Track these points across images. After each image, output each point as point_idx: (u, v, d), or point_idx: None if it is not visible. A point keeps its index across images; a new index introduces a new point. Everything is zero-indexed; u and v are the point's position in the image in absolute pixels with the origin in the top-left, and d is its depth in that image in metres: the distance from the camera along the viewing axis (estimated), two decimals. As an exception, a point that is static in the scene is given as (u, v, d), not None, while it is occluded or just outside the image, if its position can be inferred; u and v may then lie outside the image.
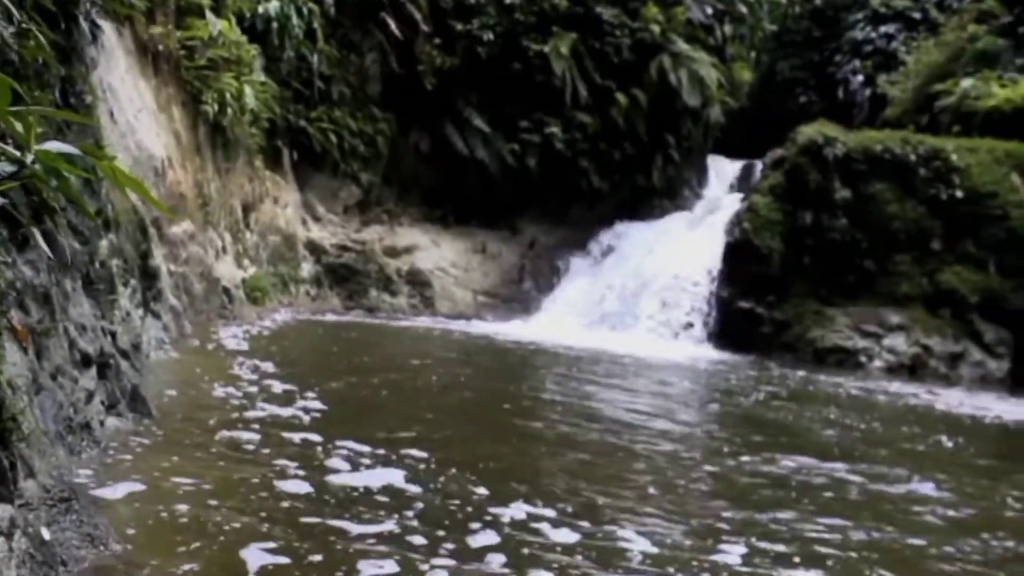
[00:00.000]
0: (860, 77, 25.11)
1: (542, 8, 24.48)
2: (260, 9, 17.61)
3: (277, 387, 8.57)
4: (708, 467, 7.29)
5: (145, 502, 4.61)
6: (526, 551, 4.60)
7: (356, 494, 5.27)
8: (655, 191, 26.40)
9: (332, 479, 5.52)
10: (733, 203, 23.56)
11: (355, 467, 5.86)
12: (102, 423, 5.64)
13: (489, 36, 23.94)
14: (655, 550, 4.85)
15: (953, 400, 14.79)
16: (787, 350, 19.76)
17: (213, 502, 4.77)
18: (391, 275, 23.16)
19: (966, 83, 22.53)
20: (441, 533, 4.72)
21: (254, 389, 8.29)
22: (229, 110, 15.43)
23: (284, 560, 4.12)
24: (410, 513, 5.02)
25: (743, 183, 26.35)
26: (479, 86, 24.37)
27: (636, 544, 4.91)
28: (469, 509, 5.22)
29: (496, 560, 4.43)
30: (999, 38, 23.52)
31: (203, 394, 7.85)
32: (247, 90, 15.82)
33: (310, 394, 8.33)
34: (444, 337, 17.26)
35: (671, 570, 4.58)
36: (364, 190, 23.73)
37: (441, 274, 23.73)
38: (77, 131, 6.40)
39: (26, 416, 3.82)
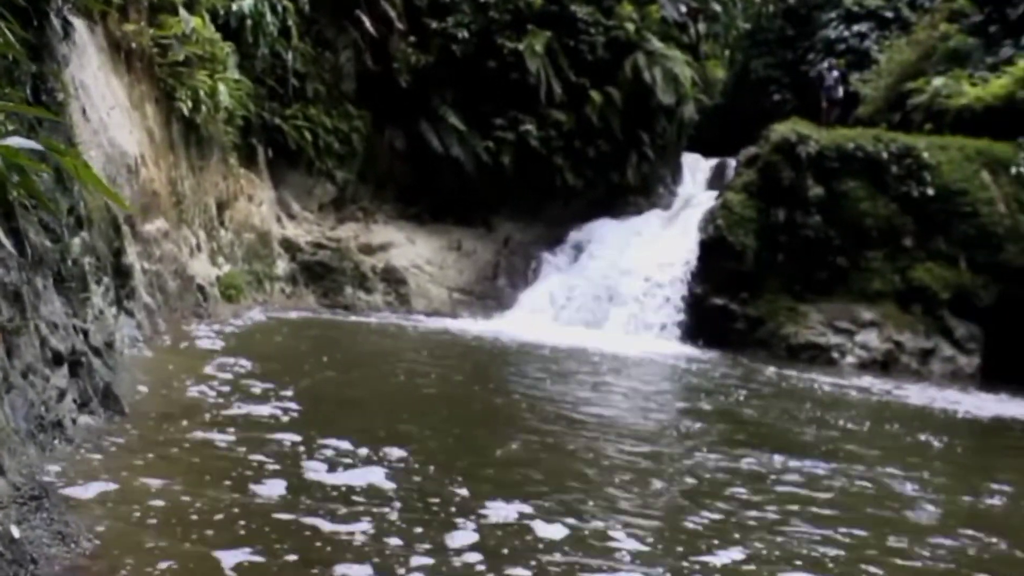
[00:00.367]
0: (836, 73, 25.22)
1: (517, 6, 24.49)
2: (234, 6, 17.52)
3: (252, 385, 8.54)
4: (688, 465, 7.29)
5: (117, 500, 4.59)
6: (505, 550, 4.60)
7: (333, 493, 5.25)
8: (630, 188, 26.45)
9: (308, 478, 5.50)
10: (707, 200, 23.68)
11: (332, 466, 5.84)
12: (74, 421, 5.62)
13: (464, 34, 23.93)
14: (636, 547, 4.85)
15: (925, 396, 14.90)
16: (760, 346, 19.88)
17: (186, 500, 4.75)
18: (366, 273, 23.11)
19: (937, 81, 22.69)
20: (419, 531, 4.71)
21: (228, 387, 8.27)
22: (203, 108, 15.35)
23: (259, 559, 4.10)
24: (387, 511, 5.01)
25: (717, 181, 26.46)
26: (454, 84, 24.35)
27: (619, 542, 4.91)
28: (447, 507, 5.21)
29: (474, 557, 4.43)
30: (970, 37, 23.70)
31: (177, 392, 7.82)
32: (221, 87, 15.75)
33: (285, 392, 8.31)
34: (420, 335, 17.24)
35: (657, 568, 4.60)
36: (339, 188, 23.68)
37: (416, 271, 23.71)
38: (49, 128, 6.38)
39: (-3, 415, 3.82)
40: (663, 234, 23.74)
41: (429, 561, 4.29)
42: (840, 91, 25.00)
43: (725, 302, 20.56)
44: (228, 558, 4.05)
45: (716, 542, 5.12)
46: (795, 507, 6.18)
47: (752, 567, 4.79)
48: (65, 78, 7.88)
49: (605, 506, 5.70)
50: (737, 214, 20.91)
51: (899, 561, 5.23)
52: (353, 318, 19.69)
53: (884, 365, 19.17)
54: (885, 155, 20.27)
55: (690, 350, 19.41)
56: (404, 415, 8.57)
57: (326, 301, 22.30)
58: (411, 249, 24.05)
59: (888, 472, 7.77)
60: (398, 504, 5.17)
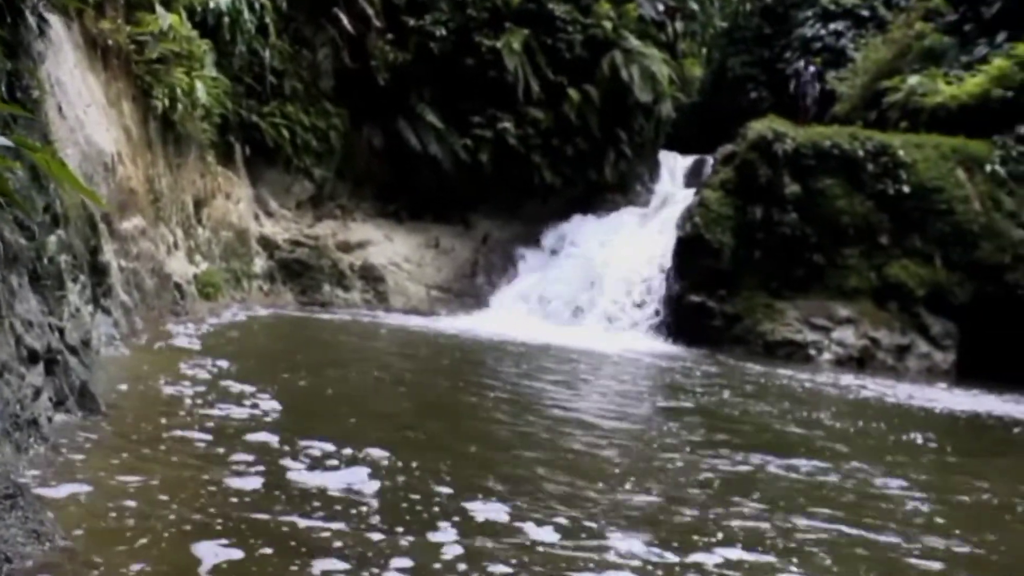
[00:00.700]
0: (812, 68, 25.39)
1: (495, 4, 24.49)
2: (211, 4, 17.44)
3: (229, 383, 8.51)
4: (671, 465, 7.28)
5: (94, 499, 4.57)
6: (488, 547, 4.59)
7: (312, 492, 5.22)
8: (607, 186, 26.53)
9: (287, 477, 5.48)
10: (685, 198, 23.73)
11: (311, 465, 5.82)
12: (50, 420, 5.60)
13: (442, 32, 23.93)
14: (626, 547, 4.83)
15: (902, 392, 15.00)
16: (738, 343, 19.97)
17: (163, 498, 4.73)
18: (344, 270, 23.10)
19: (913, 80, 22.84)
20: (400, 529, 4.69)
21: (204, 387, 8.24)
22: (180, 105, 15.30)
23: (236, 556, 4.08)
24: (368, 510, 4.99)
25: (694, 178, 26.53)
26: (432, 82, 24.35)
27: (605, 541, 4.90)
28: (429, 506, 5.20)
29: (454, 553, 4.42)
30: (945, 36, 23.88)
31: (154, 391, 7.80)
32: (198, 85, 15.69)
33: (263, 390, 8.27)
34: (399, 332, 17.24)
35: (648, 567, 4.59)
36: (317, 185, 23.64)
37: (394, 269, 23.70)
38: (24, 126, 6.35)
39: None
40: (641, 232, 23.84)
41: (409, 562, 4.27)
42: (817, 89, 25.16)
43: (703, 299, 20.64)
44: (205, 556, 4.03)
45: (704, 541, 5.11)
46: (784, 506, 6.17)
47: (747, 567, 4.77)
48: (41, 75, 7.85)
49: (590, 505, 5.68)
50: (714, 212, 20.99)
51: (892, 556, 5.25)
52: (331, 316, 19.66)
53: (860, 362, 19.29)
54: (861, 153, 20.39)
55: (668, 347, 19.49)
56: (383, 414, 8.57)
57: (304, 299, 22.28)
58: (389, 247, 24.04)
59: (874, 470, 7.78)
60: (378, 503, 5.16)
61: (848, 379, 16.36)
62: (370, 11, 23.25)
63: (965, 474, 8.22)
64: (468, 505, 5.27)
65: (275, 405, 7.68)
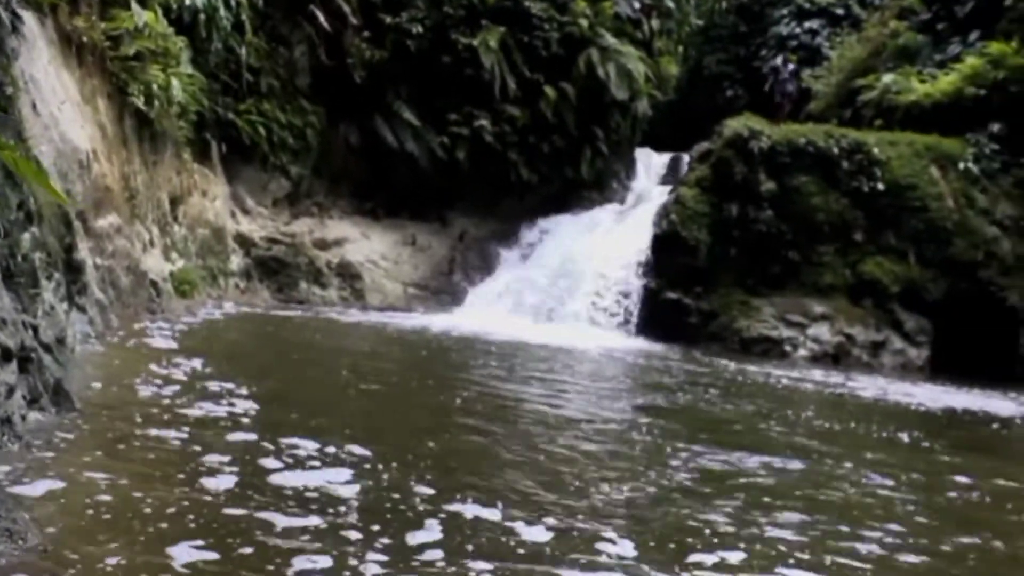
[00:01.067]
0: (790, 66, 25.53)
1: (471, 2, 24.52)
2: (187, 1, 17.39)
3: (205, 381, 8.48)
4: (655, 463, 7.26)
5: (68, 497, 4.53)
6: (468, 546, 4.57)
7: (290, 491, 5.19)
8: (584, 183, 26.61)
9: (264, 476, 5.44)
10: (661, 196, 23.84)
11: (288, 464, 5.78)
12: (23, 418, 5.57)
13: (418, 29, 23.94)
14: (613, 548, 4.80)
15: (878, 388, 15.10)
16: (714, 340, 20.06)
17: (138, 495, 4.71)
18: (321, 268, 23.07)
19: (887, 78, 23.00)
20: (376, 528, 4.66)
21: (180, 385, 8.20)
22: (156, 102, 15.25)
23: (212, 555, 4.05)
24: (346, 508, 4.97)
25: (671, 176, 26.69)
26: (408, 79, 24.35)
27: (588, 541, 4.87)
28: (408, 504, 5.18)
29: (435, 554, 4.39)
30: (919, 34, 24.08)
31: (129, 389, 7.75)
32: (174, 82, 15.64)
33: (239, 388, 8.25)
34: (375, 330, 17.21)
35: (641, 567, 4.57)
36: (294, 183, 23.60)
37: (371, 266, 23.68)
38: (-3, 123, 6.32)
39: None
40: (617, 229, 23.89)
41: (387, 558, 4.26)
42: (792, 87, 25.29)
43: (679, 296, 20.72)
44: (180, 554, 4.00)
45: (692, 541, 5.09)
46: (773, 504, 6.15)
47: (741, 567, 4.73)
48: (14, 72, 7.80)
49: (572, 504, 5.65)
50: (690, 209, 21.07)
51: (882, 553, 5.26)
52: (308, 313, 19.61)
53: (835, 358, 19.41)
54: (836, 151, 20.52)
55: (644, 344, 19.53)
56: (361, 412, 8.55)
57: (280, 296, 22.25)
58: (366, 244, 24.02)
59: (858, 468, 7.78)
60: (357, 501, 5.13)
61: (824, 375, 16.44)
62: (346, 8, 23.23)
63: (948, 470, 8.25)
64: (450, 505, 5.25)
65: (252, 403, 7.65)
